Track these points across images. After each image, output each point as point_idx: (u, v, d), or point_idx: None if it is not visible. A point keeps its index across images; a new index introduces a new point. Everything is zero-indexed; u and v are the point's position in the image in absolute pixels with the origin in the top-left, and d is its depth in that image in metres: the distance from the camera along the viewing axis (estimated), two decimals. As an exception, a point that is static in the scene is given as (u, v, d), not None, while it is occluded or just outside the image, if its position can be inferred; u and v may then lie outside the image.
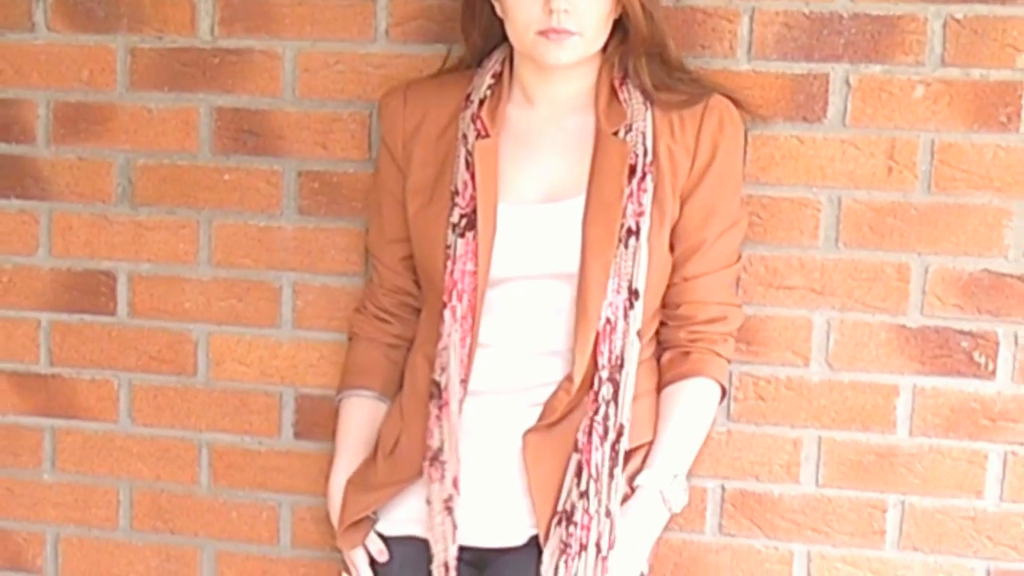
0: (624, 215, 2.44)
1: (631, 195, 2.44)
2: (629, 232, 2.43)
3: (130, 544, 3.16)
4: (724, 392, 2.62)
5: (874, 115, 2.69)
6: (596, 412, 2.43)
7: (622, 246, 2.43)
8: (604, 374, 2.43)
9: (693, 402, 2.58)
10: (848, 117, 2.70)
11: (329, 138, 2.92)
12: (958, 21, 2.62)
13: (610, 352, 2.43)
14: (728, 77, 2.69)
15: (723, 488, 2.86)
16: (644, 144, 2.46)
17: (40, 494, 3.18)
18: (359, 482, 2.69)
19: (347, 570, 2.73)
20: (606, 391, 2.43)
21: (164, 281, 3.05)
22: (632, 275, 2.42)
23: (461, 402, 2.47)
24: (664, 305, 2.58)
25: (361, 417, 2.71)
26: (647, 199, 2.44)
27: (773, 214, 2.75)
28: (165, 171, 3.01)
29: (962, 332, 2.72)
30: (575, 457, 2.42)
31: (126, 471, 3.13)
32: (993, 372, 2.72)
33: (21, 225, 3.09)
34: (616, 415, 2.43)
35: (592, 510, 2.39)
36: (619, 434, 2.43)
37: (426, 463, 2.49)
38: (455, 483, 2.43)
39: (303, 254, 2.97)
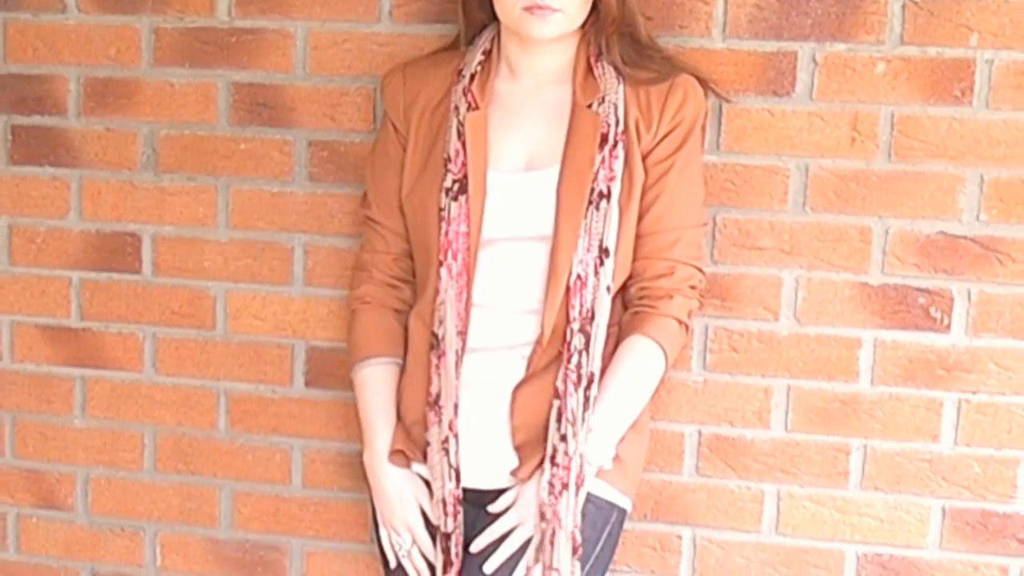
0: (595, 180, 2.51)
1: (603, 161, 2.51)
2: (600, 195, 2.50)
3: (154, 484, 3.25)
4: (666, 353, 2.63)
5: (838, 90, 2.78)
6: (569, 361, 2.49)
7: (593, 208, 2.50)
8: (575, 326, 2.49)
9: (629, 364, 2.61)
10: (815, 91, 2.78)
11: (337, 111, 3.00)
12: (916, 3, 2.71)
13: (581, 305, 2.49)
14: (704, 54, 2.77)
15: (699, 433, 2.96)
16: (616, 115, 2.52)
17: (71, 438, 3.27)
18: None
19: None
20: (578, 341, 2.50)
21: (185, 242, 3.13)
22: (603, 234, 2.49)
23: (458, 352, 2.53)
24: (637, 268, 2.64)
25: (389, 385, 2.74)
26: (618, 165, 2.51)
27: (746, 180, 2.84)
28: (186, 141, 3.09)
29: (919, 289, 2.82)
30: (556, 404, 2.50)
31: (150, 417, 3.22)
32: (948, 326, 2.82)
33: (53, 191, 3.17)
34: (588, 363, 2.50)
35: (571, 451, 2.47)
36: (590, 381, 2.50)
37: (427, 408, 2.56)
38: (451, 427, 2.50)
39: (313, 217, 3.06)
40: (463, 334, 2.54)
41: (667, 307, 2.59)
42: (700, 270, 2.67)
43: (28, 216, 3.23)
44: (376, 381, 2.73)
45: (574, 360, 2.49)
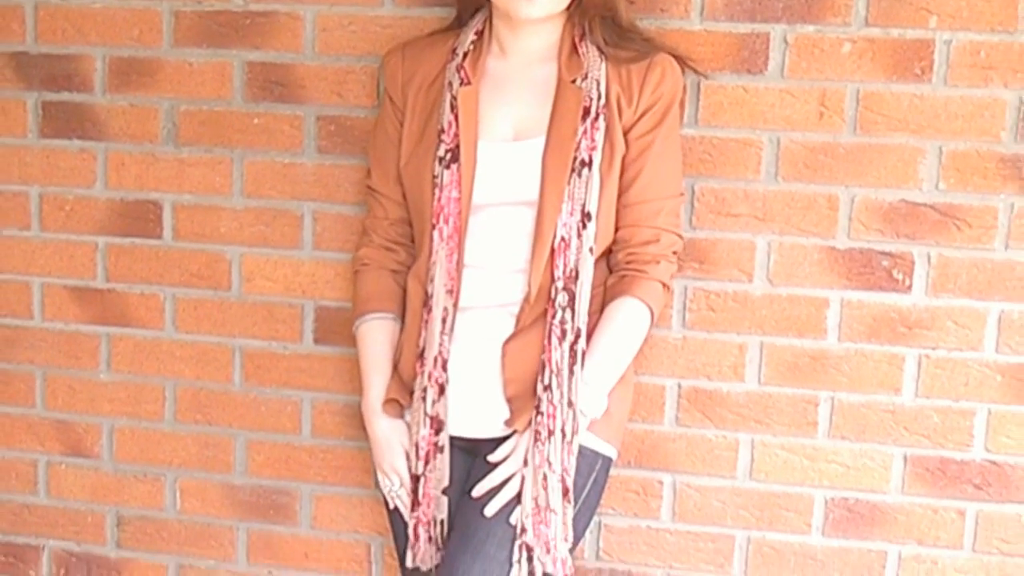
0: (578, 149, 2.56)
1: (585, 132, 2.56)
2: (583, 164, 2.56)
3: (174, 433, 3.34)
4: (652, 312, 2.69)
5: (808, 68, 2.85)
6: (554, 317, 2.56)
7: (576, 175, 2.56)
8: (560, 284, 2.55)
9: (618, 322, 2.67)
10: (786, 70, 2.86)
11: (344, 88, 3.07)
12: (880, -13, 2.76)
13: (565, 265, 2.55)
14: (683, 35, 2.84)
15: (679, 386, 3.04)
16: (598, 90, 2.58)
17: (97, 391, 3.35)
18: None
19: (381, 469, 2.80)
20: (562, 299, 2.56)
21: (203, 210, 3.20)
22: (585, 200, 2.55)
23: (447, 309, 2.60)
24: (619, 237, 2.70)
25: (384, 338, 2.80)
26: (599, 136, 2.57)
27: (722, 152, 2.91)
28: (204, 116, 3.16)
29: (883, 253, 2.89)
30: (542, 357, 2.56)
31: (170, 371, 3.30)
32: (909, 287, 2.90)
33: (81, 162, 3.24)
34: (573, 320, 2.56)
35: (555, 400, 2.53)
36: (576, 336, 2.56)
37: (415, 359, 2.65)
38: (430, 377, 2.59)
39: (321, 186, 3.13)
40: (452, 292, 2.60)
41: (654, 271, 2.66)
42: (680, 236, 2.73)
43: (57, 185, 3.28)
44: (372, 334, 2.80)
45: (558, 316, 2.55)
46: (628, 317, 2.68)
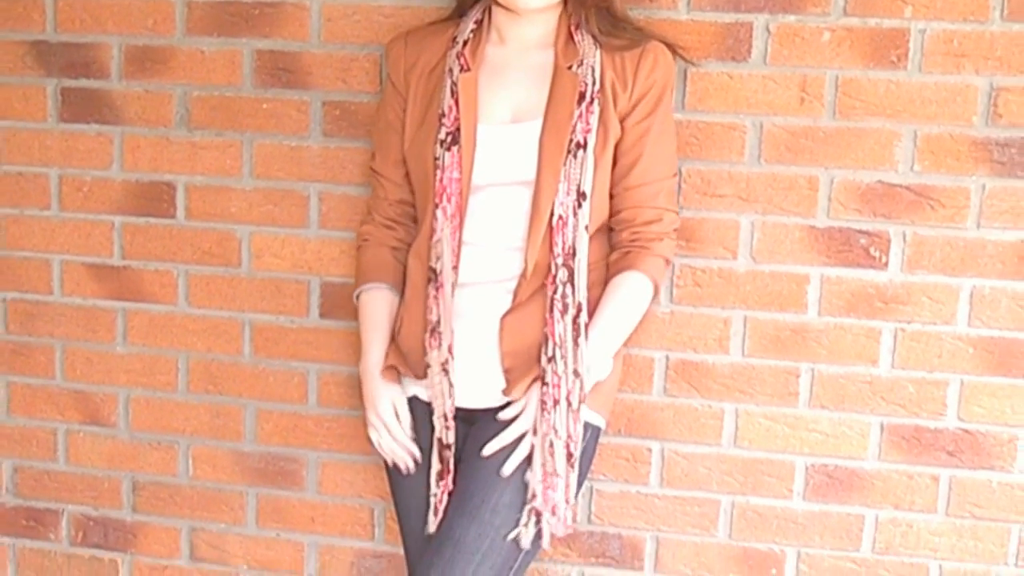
0: (574, 132, 2.59)
1: (580, 116, 2.59)
2: (578, 146, 2.59)
3: (187, 403, 3.39)
4: (656, 286, 2.74)
5: (789, 56, 2.90)
6: (555, 292, 2.59)
7: (571, 157, 2.59)
8: (559, 260, 2.59)
9: (623, 293, 2.72)
10: (768, 57, 2.91)
11: (348, 74, 3.11)
12: (858, -21, 2.79)
13: (563, 243, 2.59)
14: (671, 25, 2.89)
15: (667, 358, 3.09)
16: (593, 76, 2.61)
17: (114, 363, 3.41)
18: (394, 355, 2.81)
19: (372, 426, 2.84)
20: (562, 275, 2.59)
21: (214, 190, 3.25)
22: (580, 180, 2.59)
23: (453, 285, 2.63)
24: (611, 213, 2.74)
25: (382, 306, 2.84)
26: (594, 120, 2.60)
27: (708, 136, 2.95)
28: (215, 101, 3.21)
29: (860, 231, 2.94)
30: (544, 331, 2.60)
31: (183, 344, 3.36)
32: (886, 264, 2.95)
33: (98, 145, 3.29)
34: (573, 294, 2.60)
35: (560, 371, 2.58)
36: (578, 310, 2.60)
37: (427, 334, 2.67)
38: (450, 349, 2.62)
39: (327, 168, 3.17)
40: (456, 269, 2.64)
41: (659, 248, 2.71)
42: (677, 214, 2.79)
43: (76, 167, 3.33)
44: (372, 304, 2.85)
45: (559, 292, 2.60)
46: (632, 289, 2.73)
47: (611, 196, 2.76)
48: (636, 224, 2.73)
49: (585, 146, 2.61)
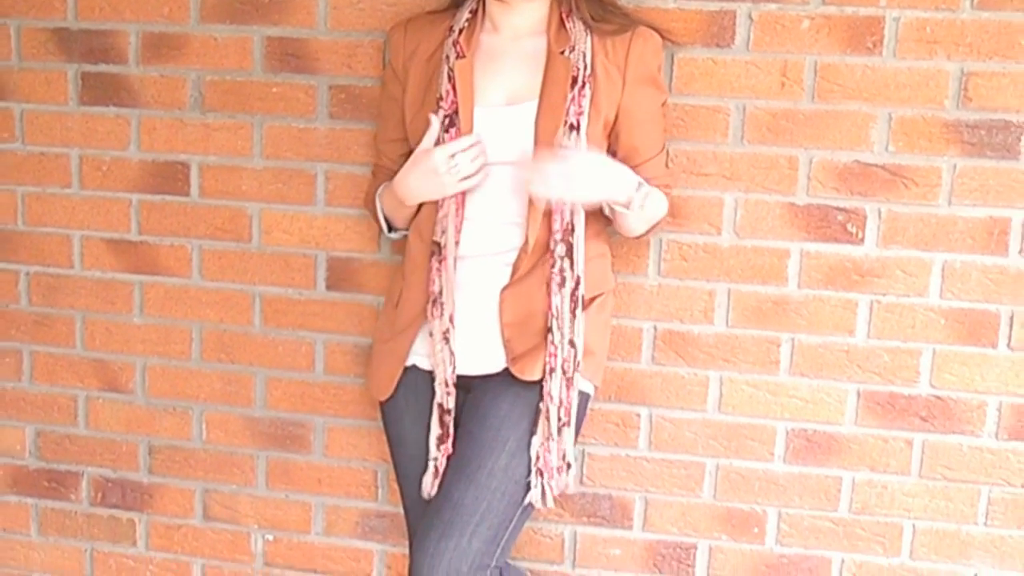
0: (567, 115, 2.64)
1: (573, 99, 2.64)
2: (571, 128, 2.64)
3: (200, 371, 3.47)
4: (667, 199, 2.83)
5: (771, 42, 2.96)
6: (553, 266, 2.66)
7: (565, 138, 2.63)
8: (558, 236, 2.65)
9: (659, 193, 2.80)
10: (751, 44, 2.97)
11: (353, 60, 3.17)
12: (835, -29, 2.84)
13: (562, 219, 2.66)
14: (659, 13, 2.94)
15: (655, 328, 3.16)
16: (584, 61, 2.66)
17: (131, 333, 3.49)
18: (383, 335, 2.91)
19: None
20: (560, 250, 2.66)
21: (226, 170, 3.31)
22: None
23: (455, 258, 2.69)
24: None
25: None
26: (586, 103, 2.65)
27: (694, 118, 3.02)
28: (227, 85, 3.27)
29: (838, 208, 3.01)
30: (544, 303, 2.66)
31: (197, 315, 3.43)
32: (862, 239, 3.01)
33: (116, 127, 3.36)
34: (571, 268, 2.66)
35: (556, 341, 2.66)
36: (576, 284, 2.67)
37: (429, 304, 2.73)
38: (451, 319, 2.69)
39: (333, 149, 3.23)
40: (459, 244, 2.70)
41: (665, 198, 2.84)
42: (669, 186, 2.88)
43: (95, 148, 3.40)
44: (390, 186, 2.84)
45: (557, 265, 2.67)
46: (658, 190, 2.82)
47: None
48: None
49: (578, 128, 2.66)
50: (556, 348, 2.68)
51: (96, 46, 3.35)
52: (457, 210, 2.72)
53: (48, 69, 3.39)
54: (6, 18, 3.38)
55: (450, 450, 2.78)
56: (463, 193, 2.71)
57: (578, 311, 2.69)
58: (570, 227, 2.69)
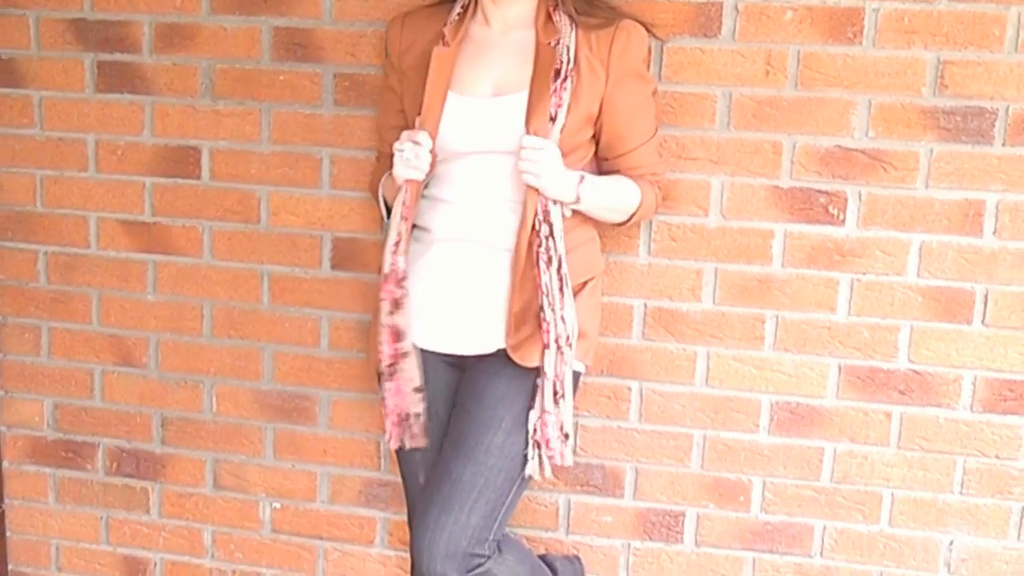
0: (546, 103, 2.68)
1: (555, 91, 2.68)
2: (550, 119, 2.69)
3: (211, 346, 3.54)
4: (643, 200, 2.85)
5: (756, 32, 3.00)
6: (540, 246, 2.70)
7: (543, 129, 2.68)
8: (540, 217, 2.70)
9: (628, 183, 2.86)
10: (737, 34, 3.02)
11: (357, 49, 3.21)
12: (816, -36, 2.87)
13: (541, 202, 2.72)
14: (648, 5, 2.98)
15: (645, 306, 3.21)
16: (568, 54, 2.69)
17: (145, 310, 3.56)
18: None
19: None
20: (544, 230, 2.70)
21: (236, 154, 3.37)
22: None
23: (399, 232, 2.76)
24: (611, 170, 2.87)
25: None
26: (566, 95, 2.68)
27: (682, 105, 3.06)
28: (237, 73, 3.32)
29: (820, 191, 3.06)
30: (535, 282, 2.70)
31: (208, 293, 3.49)
32: (843, 221, 3.06)
33: (131, 113, 3.42)
34: (555, 246, 2.70)
35: (549, 318, 2.69)
36: (559, 261, 2.69)
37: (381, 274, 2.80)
38: (389, 293, 2.77)
39: (337, 134, 3.27)
40: (407, 219, 2.78)
41: (654, 187, 2.92)
42: (662, 168, 2.93)
43: (111, 133, 3.46)
44: (389, 176, 2.91)
45: (543, 245, 2.70)
46: (624, 180, 2.88)
47: (604, 161, 2.90)
48: (632, 178, 2.89)
49: (555, 119, 2.70)
50: (549, 324, 2.72)
51: (111, 36, 3.40)
52: (413, 196, 2.78)
53: (65, 58, 3.44)
54: (25, 9, 3.42)
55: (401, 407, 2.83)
56: (416, 182, 2.77)
57: (565, 288, 2.72)
58: (547, 209, 2.73)
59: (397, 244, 2.77)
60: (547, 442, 2.77)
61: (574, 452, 3.34)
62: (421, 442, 2.88)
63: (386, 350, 2.81)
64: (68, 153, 3.51)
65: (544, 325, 2.73)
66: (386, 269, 2.77)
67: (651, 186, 2.92)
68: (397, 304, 2.79)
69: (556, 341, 2.73)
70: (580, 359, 2.90)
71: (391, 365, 2.82)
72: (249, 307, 3.50)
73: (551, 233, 2.73)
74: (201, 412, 3.62)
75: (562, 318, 2.72)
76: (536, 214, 2.73)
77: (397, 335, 2.80)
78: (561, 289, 2.72)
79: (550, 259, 2.73)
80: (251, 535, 3.67)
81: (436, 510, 2.73)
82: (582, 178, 2.77)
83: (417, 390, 2.83)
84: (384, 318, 2.79)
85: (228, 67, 3.36)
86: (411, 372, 2.82)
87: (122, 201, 3.52)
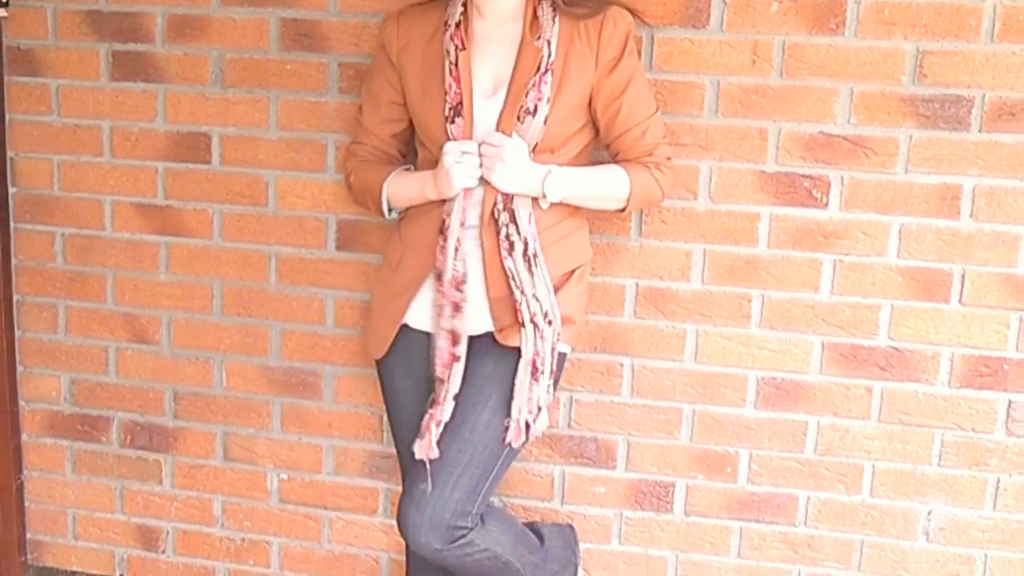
0: (526, 99, 2.75)
1: (534, 85, 2.74)
2: (526, 112, 2.75)
3: (220, 324, 3.60)
4: (632, 190, 2.84)
5: (742, 23, 3.05)
6: (499, 233, 2.79)
7: (519, 122, 2.77)
8: (500, 207, 2.79)
9: (616, 170, 2.87)
10: (724, 25, 3.06)
11: (360, 40, 3.26)
12: (800, -42, 2.90)
13: (502, 194, 2.79)
14: None
15: (637, 285, 3.26)
16: (549, 48, 2.74)
17: (157, 289, 3.62)
18: (380, 296, 2.99)
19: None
20: (504, 218, 2.78)
21: (244, 140, 3.42)
22: (527, 142, 2.77)
23: (459, 237, 2.80)
24: (613, 156, 2.91)
25: (405, 173, 2.96)
26: (546, 88, 2.74)
27: (672, 93, 3.11)
28: (245, 63, 3.37)
29: (804, 175, 3.11)
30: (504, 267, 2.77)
31: (218, 273, 3.55)
32: (826, 204, 3.12)
33: (144, 101, 3.48)
34: (517, 232, 2.77)
35: (519, 299, 2.78)
36: (525, 244, 2.77)
37: (430, 279, 2.86)
38: (444, 296, 2.82)
39: (342, 120, 3.31)
40: (463, 225, 2.82)
41: (653, 171, 2.89)
42: (668, 145, 2.92)
43: (125, 120, 3.52)
44: (395, 180, 2.96)
45: (503, 232, 2.79)
46: (613, 168, 2.89)
47: (607, 145, 2.93)
48: (631, 159, 2.91)
49: (534, 113, 2.76)
50: (520, 305, 2.79)
51: (125, 27, 3.45)
52: (466, 195, 2.82)
53: (81, 48, 3.50)
54: (43, 1, 3.46)
55: (436, 416, 2.84)
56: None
57: (534, 268, 2.78)
58: (510, 197, 2.80)
59: (457, 249, 2.82)
60: (519, 413, 2.83)
61: (568, 425, 3.42)
62: (436, 453, 2.86)
63: (443, 355, 2.85)
64: (84, 139, 3.56)
65: (517, 306, 2.80)
66: (448, 275, 2.81)
67: (647, 170, 2.91)
68: (457, 308, 2.84)
69: (532, 320, 2.79)
70: (566, 342, 2.94)
71: (445, 368, 2.86)
72: (257, 286, 3.55)
73: (512, 220, 2.80)
74: (211, 387, 3.68)
75: (534, 296, 2.78)
76: (495, 203, 2.79)
77: (456, 339, 2.85)
78: (530, 270, 2.79)
79: (512, 245, 2.79)
80: (259, 505, 3.73)
81: (422, 484, 2.80)
82: (549, 172, 2.79)
83: (454, 398, 2.87)
84: (444, 322, 2.84)
85: (237, 57, 3.40)
86: (456, 378, 2.86)
87: (136, 185, 3.56)
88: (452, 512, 2.78)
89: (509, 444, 2.85)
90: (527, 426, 2.85)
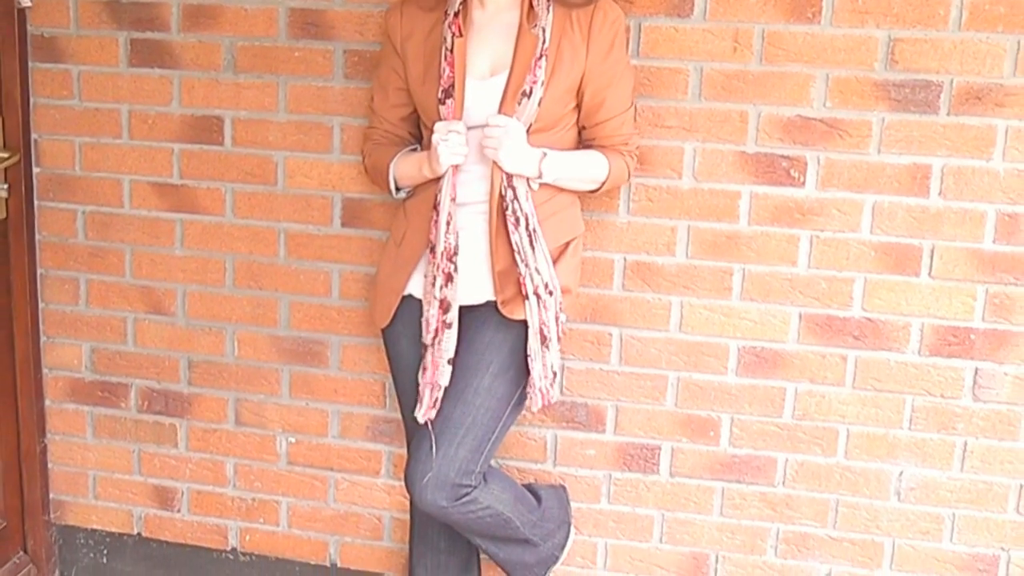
0: (523, 82, 2.84)
1: (531, 69, 2.83)
2: (523, 95, 2.85)
3: (232, 296, 3.70)
4: (610, 172, 2.97)
5: (724, 12, 3.12)
6: (506, 208, 2.87)
7: (517, 104, 2.86)
8: (507, 182, 2.87)
9: (597, 156, 2.99)
10: (707, 14, 3.14)
11: (365, 28, 3.35)
12: (778, -50, 2.96)
13: (507, 172, 2.87)
14: None
15: (625, 260, 3.35)
16: (544, 35, 2.82)
17: (173, 263, 3.72)
18: (385, 269, 3.10)
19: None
20: (509, 194, 2.87)
21: (255, 123, 3.52)
22: (523, 123, 2.85)
23: (449, 212, 2.88)
24: (585, 142, 3.01)
25: (410, 153, 3.05)
26: (541, 73, 2.82)
27: (658, 78, 3.20)
28: (256, 50, 3.46)
29: (783, 156, 3.19)
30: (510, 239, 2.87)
31: (230, 248, 3.65)
32: (803, 183, 3.20)
33: (161, 86, 3.58)
34: (521, 207, 2.87)
35: (523, 271, 2.87)
36: (527, 219, 2.86)
37: (427, 251, 2.94)
38: (437, 267, 2.91)
39: (347, 104, 3.41)
40: (454, 200, 2.92)
41: (625, 158, 3.03)
42: (638, 136, 3.08)
43: (142, 104, 3.62)
44: (401, 160, 3.06)
45: (510, 207, 2.87)
46: (594, 154, 3.02)
47: (583, 129, 3.02)
48: (606, 146, 3.03)
49: (530, 95, 2.86)
50: (524, 277, 2.88)
51: (143, 16, 3.53)
52: (454, 168, 2.93)
53: (101, 36, 3.59)
54: None
55: (432, 380, 2.95)
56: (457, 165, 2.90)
57: (535, 243, 2.87)
58: (510, 175, 2.89)
59: (448, 223, 2.91)
60: (532, 383, 2.95)
61: (560, 391, 3.47)
62: (432, 414, 2.97)
63: (433, 322, 2.93)
64: (104, 122, 3.65)
65: (521, 279, 2.89)
66: (440, 246, 2.90)
67: (622, 156, 3.04)
68: (449, 278, 2.92)
69: (535, 292, 2.89)
70: (563, 312, 3.04)
71: (435, 335, 2.94)
72: (267, 261, 3.64)
73: (515, 196, 2.89)
74: (224, 356, 3.77)
75: (536, 270, 2.87)
76: (502, 181, 2.88)
77: (446, 307, 2.94)
78: (532, 244, 2.88)
79: (517, 219, 2.89)
80: (269, 467, 3.82)
81: (427, 445, 2.90)
82: (544, 154, 2.89)
83: (449, 362, 2.95)
84: (437, 292, 2.92)
85: (248, 44, 3.48)
86: (450, 343, 2.95)
87: (152, 165, 3.65)
88: (457, 471, 2.89)
89: (510, 407, 2.96)
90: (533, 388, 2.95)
